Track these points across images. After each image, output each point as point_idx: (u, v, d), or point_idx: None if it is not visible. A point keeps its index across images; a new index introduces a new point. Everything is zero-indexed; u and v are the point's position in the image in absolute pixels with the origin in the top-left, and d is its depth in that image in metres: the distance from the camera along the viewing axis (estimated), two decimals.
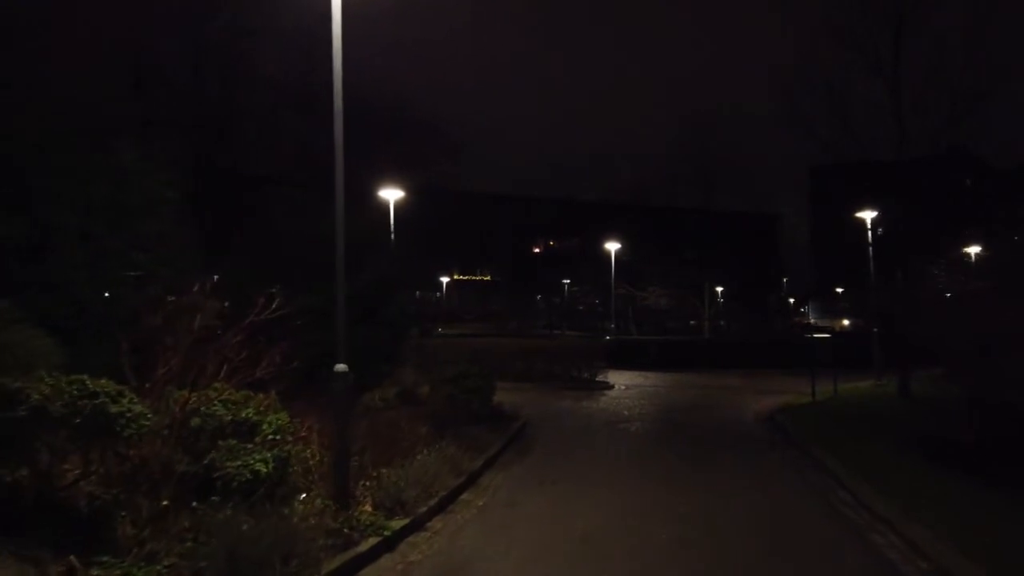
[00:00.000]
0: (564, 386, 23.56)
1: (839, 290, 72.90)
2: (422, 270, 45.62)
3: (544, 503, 8.73)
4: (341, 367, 7.39)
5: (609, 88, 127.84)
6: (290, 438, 7.13)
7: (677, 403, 19.92)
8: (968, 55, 19.10)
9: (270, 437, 6.98)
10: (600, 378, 25.53)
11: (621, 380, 26.67)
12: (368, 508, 7.28)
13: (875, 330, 25.36)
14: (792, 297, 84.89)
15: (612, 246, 36.53)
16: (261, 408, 7.19)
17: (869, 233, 24.59)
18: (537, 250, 74.03)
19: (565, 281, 59.63)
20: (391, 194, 21.92)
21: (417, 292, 68.75)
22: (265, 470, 6.52)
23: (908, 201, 23.84)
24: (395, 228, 36.82)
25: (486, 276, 71.02)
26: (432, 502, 7.91)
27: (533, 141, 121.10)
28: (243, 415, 6.96)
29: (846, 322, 76.58)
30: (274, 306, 7.49)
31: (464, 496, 8.93)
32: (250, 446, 6.77)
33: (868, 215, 24.57)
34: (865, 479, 9.52)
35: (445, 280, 58.11)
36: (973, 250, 33.99)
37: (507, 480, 10.01)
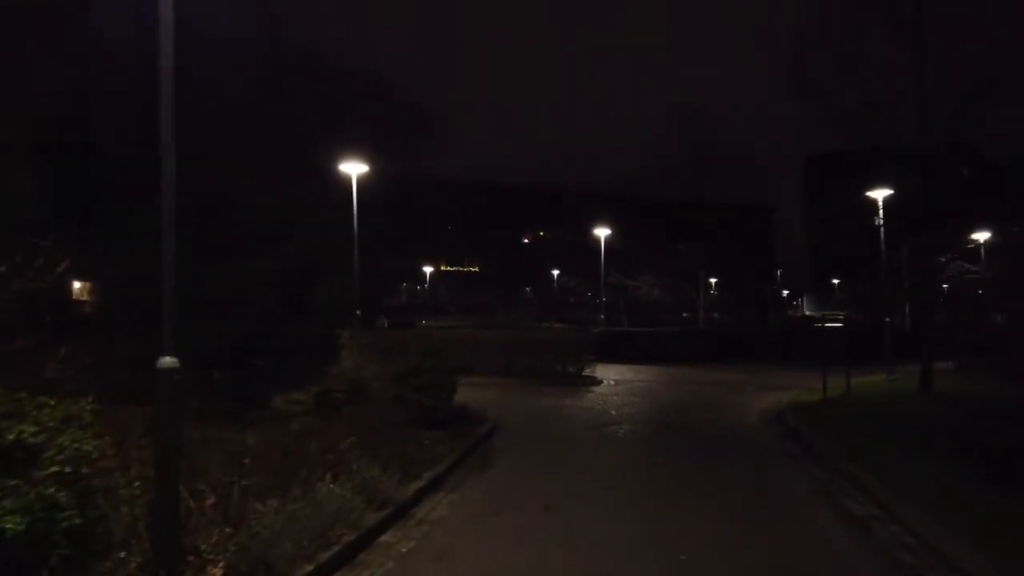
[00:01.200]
0: (547, 382, 21.12)
1: (835, 282, 70.68)
2: (390, 257, 43.03)
3: (491, 549, 6.27)
4: (167, 362, 4.84)
5: (601, 71, 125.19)
6: (86, 469, 4.62)
7: (671, 401, 17.49)
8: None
9: (56, 470, 4.50)
10: (587, 373, 23.08)
11: (610, 375, 24.22)
12: (217, 574, 4.81)
13: (886, 320, 22.98)
14: (786, 290, 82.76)
15: (602, 232, 34.00)
16: (51, 424, 4.70)
17: (880, 214, 22.16)
18: (527, 240, 71.49)
19: (555, 272, 57.14)
20: (353, 168, 19.38)
21: (404, 284, 66.39)
22: (16, 528, 4.02)
23: (920, 183, 21.54)
24: (371, 213, 34.27)
25: (474, 267, 68.53)
26: (325, 556, 5.42)
27: (522, 129, 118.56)
28: (10, 436, 4.47)
29: (840, 315, 74.54)
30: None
31: (384, 538, 6.44)
32: (13, 483, 4.28)
33: (880, 194, 22.13)
34: (923, 510, 7.09)
35: (429, 270, 55.56)
36: (981, 237, 31.82)
37: (451, 510, 7.52)
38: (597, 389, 20.12)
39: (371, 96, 24.68)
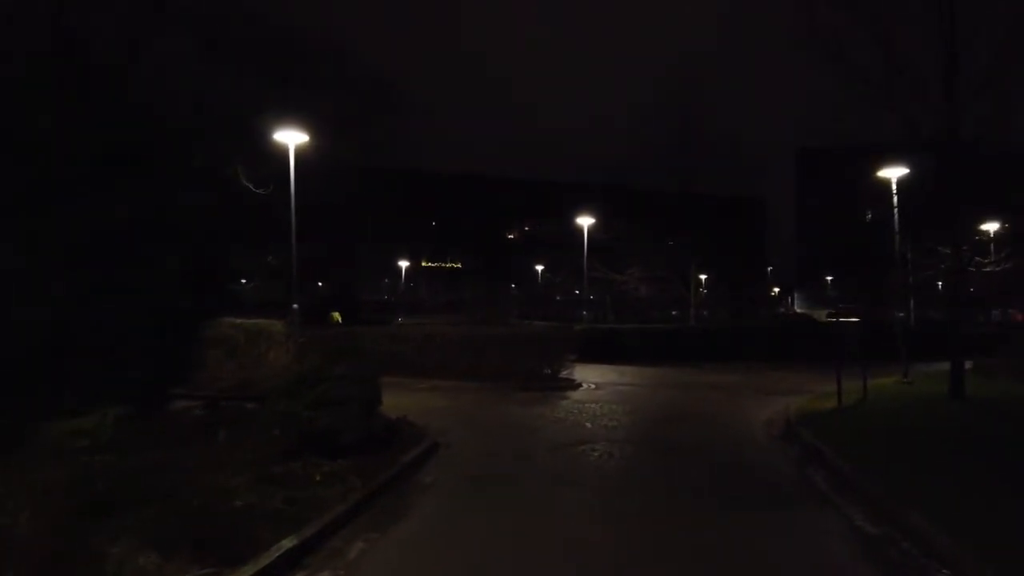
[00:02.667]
0: (518, 385, 18.20)
1: (828, 278, 68.12)
2: (366, 251, 40.08)
3: None
4: None
5: (587, 54, 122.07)
6: None
7: (658, 410, 14.58)
8: None
9: None
10: (565, 375, 20.19)
11: (591, 376, 21.33)
12: None
13: (900, 315, 20.14)
14: (777, 286, 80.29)
15: (584, 220, 31.02)
16: None
17: (894, 197, 19.33)
18: (512, 236, 68.45)
19: (539, 267, 54.20)
20: (291, 137, 16.38)
21: (386, 280, 63.32)
22: None
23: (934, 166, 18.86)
24: (338, 204, 31.21)
25: (456, 263, 65.48)
26: None
27: (507, 121, 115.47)
28: None
29: (830, 311, 71.98)
30: None
31: None
32: None
33: (894, 173, 19.28)
34: None
35: (404, 264, 52.53)
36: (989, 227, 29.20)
37: None
38: (574, 395, 17.20)
39: (326, 64, 21.74)
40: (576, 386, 18.71)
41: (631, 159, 36.50)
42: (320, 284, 52.88)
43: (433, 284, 61.97)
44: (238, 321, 15.99)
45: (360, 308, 46.03)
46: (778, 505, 7.47)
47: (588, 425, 12.41)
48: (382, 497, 7.21)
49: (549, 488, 8.04)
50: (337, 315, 32.77)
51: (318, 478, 7.00)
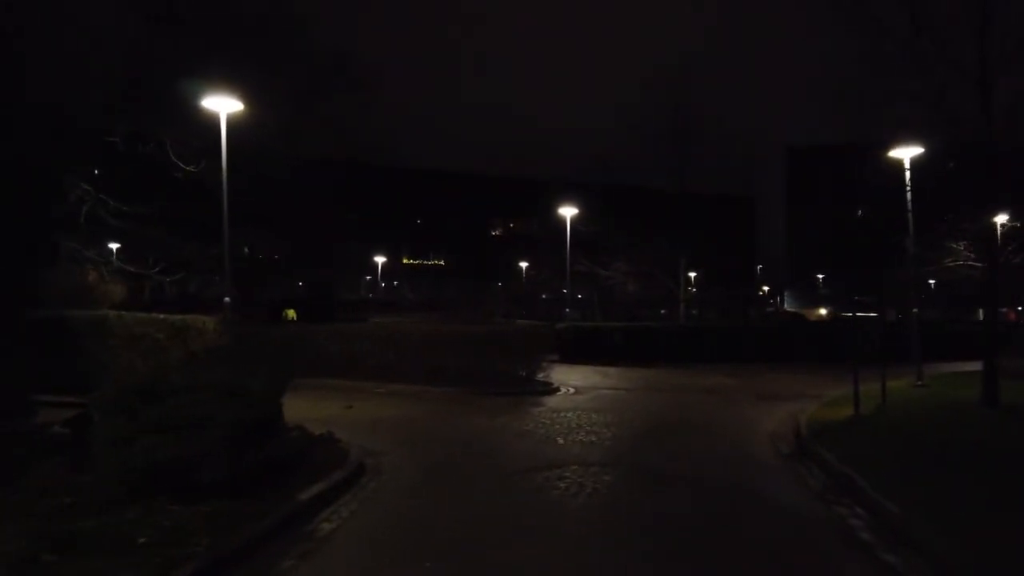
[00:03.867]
0: (487, 389, 15.93)
1: (820, 276, 66.10)
2: (343, 246, 37.64)
3: None
4: None
5: (576, 44, 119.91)
6: None
7: (646, 420, 12.33)
8: None
9: None
10: (542, 377, 17.95)
11: (572, 379, 19.11)
12: None
13: (914, 311, 17.98)
14: (766, 285, 78.38)
15: (568, 211, 28.69)
16: None
17: (907, 175, 17.14)
18: (496, 233, 66.05)
19: (523, 264, 51.91)
20: (222, 104, 14.04)
21: (368, 277, 60.86)
22: None
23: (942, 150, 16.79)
24: (313, 196, 28.80)
25: (440, 261, 63.04)
26: None
27: (493, 115, 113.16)
28: None
29: (823, 311, 70.07)
30: None
31: None
32: None
33: (907, 153, 17.11)
34: None
35: (381, 260, 50.11)
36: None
37: None
38: (550, 401, 14.94)
39: (279, 36, 19.40)
40: (553, 390, 16.46)
41: (619, 157, 34.24)
42: (301, 283, 50.50)
43: (415, 282, 59.64)
44: (160, 316, 13.65)
45: (335, 306, 43.69)
46: (810, 570, 5.23)
47: (560, 441, 10.14)
48: (239, 567, 4.90)
49: (504, 528, 5.78)
50: (292, 312, 30.42)
51: (142, 540, 4.70)
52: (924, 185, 18.57)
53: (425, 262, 62.76)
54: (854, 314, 13.84)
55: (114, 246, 21.25)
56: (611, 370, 21.87)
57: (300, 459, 7.30)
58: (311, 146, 23.02)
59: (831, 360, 25.28)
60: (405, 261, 61.30)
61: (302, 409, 12.95)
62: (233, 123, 15.16)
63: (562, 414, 12.79)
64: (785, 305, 75.86)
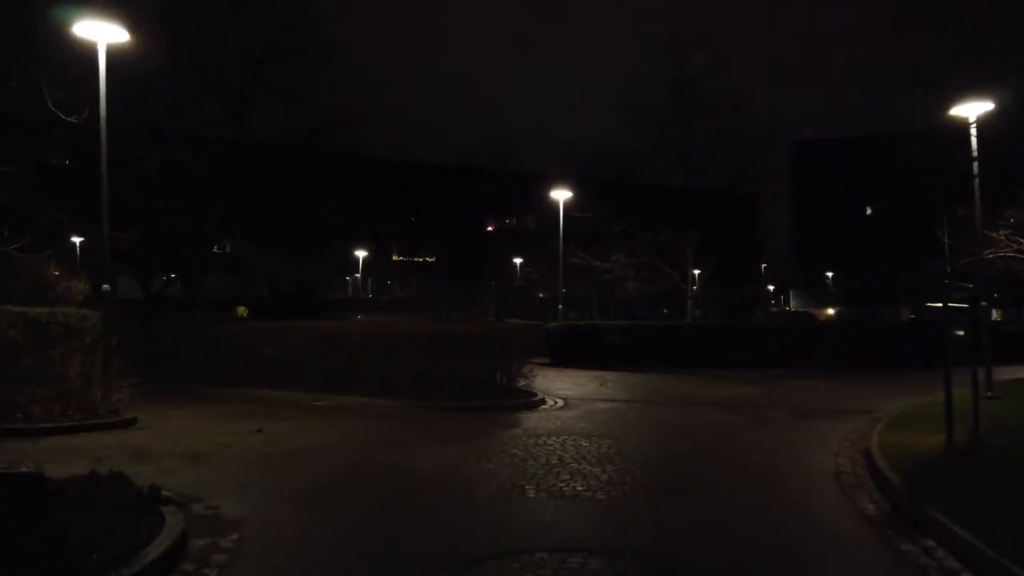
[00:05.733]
0: (452, 402, 12.45)
1: (829, 274, 62.56)
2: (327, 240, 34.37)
3: None
4: None
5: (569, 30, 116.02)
6: None
7: (657, 453, 8.82)
8: None
9: None
10: (524, 385, 14.50)
11: (562, 387, 15.68)
12: None
13: (983, 304, 14.48)
14: (770, 284, 74.93)
15: (560, 194, 25.05)
16: None
17: (973, 141, 13.61)
18: (490, 228, 62.44)
19: (517, 260, 48.43)
20: (99, 31, 10.56)
21: (357, 275, 57.42)
22: None
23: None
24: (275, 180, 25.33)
25: (430, 257, 59.49)
26: None
27: (485, 104, 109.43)
28: None
29: (831, 311, 66.65)
30: None
31: None
32: None
33: (974, 109, 13.57)
34: None
35: (362, 255, 46.65)
36: None
37: None
38: (530, 418, 11.45)
39: None
40: (535, 403, 12.97)
41: (620, 146, 30.83)
42: (294, 282, 47.41)
43: (406, 280, 56.27)
44: (17, 309, 10.20)
45: (312, 304, 40.45)
46: None
47: (530, 493, 6.65)
48: None
49: None
50: (242, 309, 27.02)
51: None
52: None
53: (415, 259, 59.31)
54: (945, 307, 10.26)
55: None
56: (610, 376, 18.41)
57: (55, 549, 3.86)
58: (264, 118, 19.78)
59: (861, 363, 21.93)
60: (395, 258, 57.95)
61: (191, 433, 9.51)
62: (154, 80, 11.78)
63: (541, 440, 9.31)
64: (790, 304, 72.36)
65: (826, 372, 19.91)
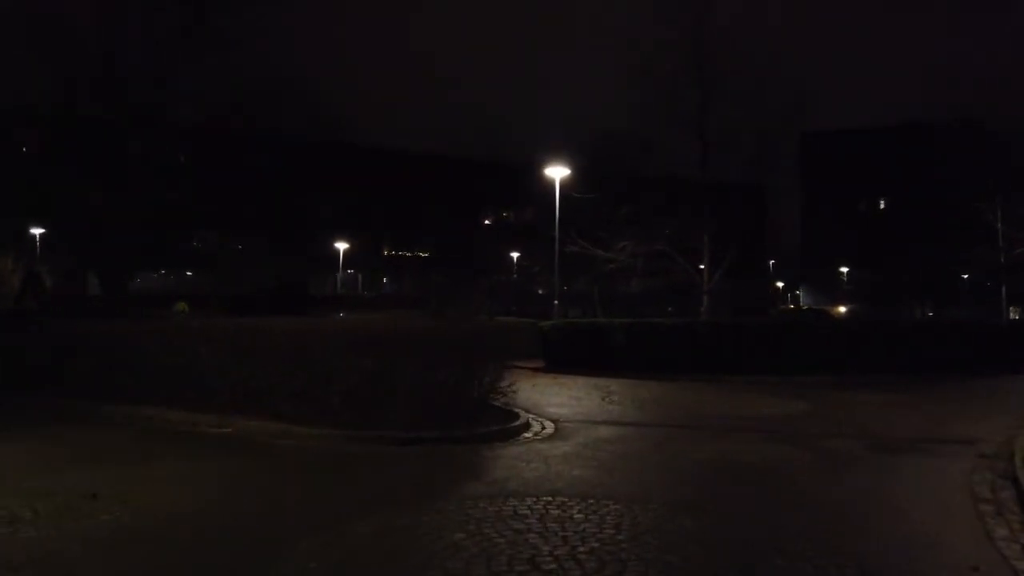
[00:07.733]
0: (401, 432, 8.82)
1: (843, 270, 58.84)
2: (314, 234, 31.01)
3: None
4: None
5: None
6: None
7: (701, 537, 5.21)
8: None
9: None
10: (502, 404, 10.83)
11: (553, 401, 12.07)
12: None
13: None
14: (780, 281, 71.32)
15: (556, 171, 21.35)
16: None
17: None
18: (487, 222, 58.85)
19: (514, 254, 44.88)
20: None
21: (349, 271, 54.13)
22: None
23: None
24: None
25: (424, 252, 55.93)
26: None
27: (483, 94, 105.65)
28: None
29: (842, 309, 63.09)
30: None
31: None
32: None
33: None
34: None
35: (343, 247, 43.20)
36: None
37: None
38: (502, 461, 7.81)
39: None
40: (516, 430, 9.33)
41: (627, 129, 27.32)
42: (279, 278, 44.29)
43: (398, 275, 52.86)
44: None
45: (298, 301, 37.17)
46: None
47: None
48: None
49: None
50: (183, 305, 23.60)
51: None
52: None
53: (408, 253, 55.79)
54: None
55: None
56: (613, 385, 14.77)
57: None
58: (198, 73, 16.25)
59: (915, 371, 17.95)
60: (386, 252, 54.48)
61: None
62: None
63: (509, 507, 5.71)
64: (800, 301, 68.71)
65: (875, 379, 16.38)
